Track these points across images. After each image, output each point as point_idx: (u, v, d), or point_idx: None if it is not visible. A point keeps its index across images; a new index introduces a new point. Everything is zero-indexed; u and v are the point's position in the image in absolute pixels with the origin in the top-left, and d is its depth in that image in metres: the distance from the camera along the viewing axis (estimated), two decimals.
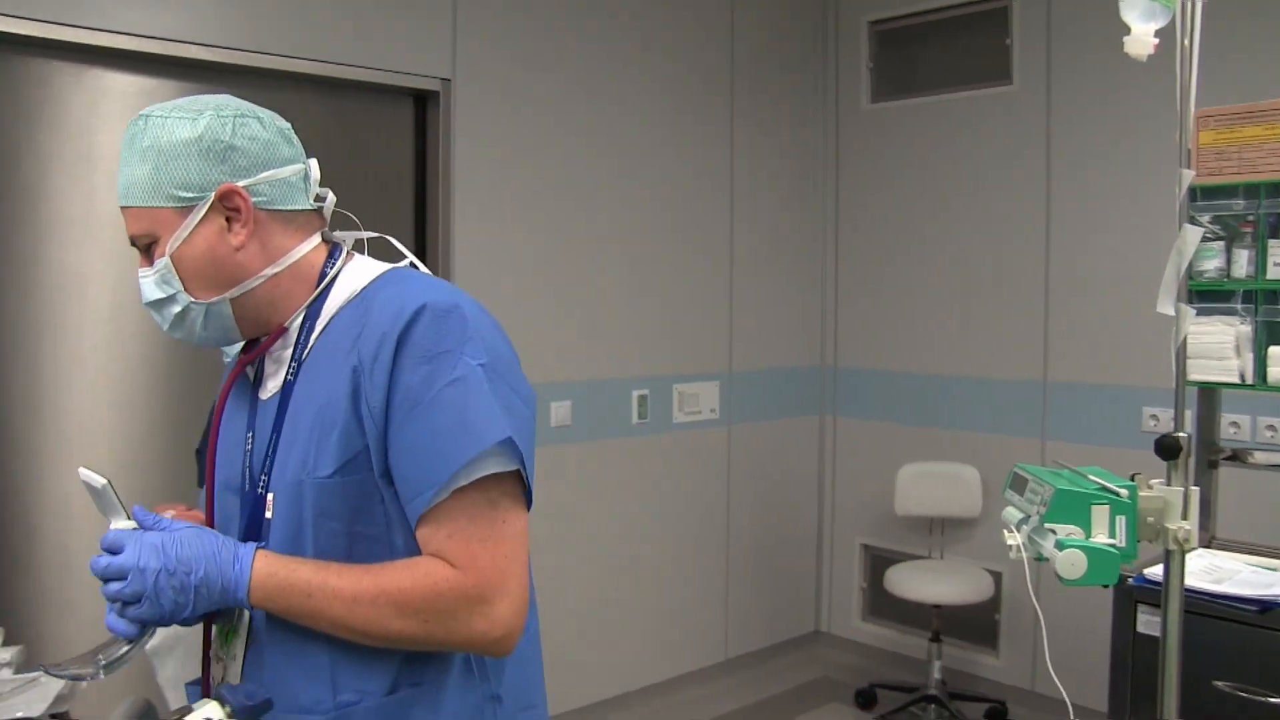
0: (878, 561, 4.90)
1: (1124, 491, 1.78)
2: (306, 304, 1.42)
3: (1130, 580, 2.60)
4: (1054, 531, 1.76)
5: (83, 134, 3.12)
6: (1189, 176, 1.84)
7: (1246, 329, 2.65)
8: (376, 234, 1.55)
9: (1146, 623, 2.61)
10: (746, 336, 4.83)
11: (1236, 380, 2.66)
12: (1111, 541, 1.75)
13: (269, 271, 1.40)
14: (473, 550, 1.28)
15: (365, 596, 1.27)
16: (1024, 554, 1.81)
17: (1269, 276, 2.62)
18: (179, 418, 3.30)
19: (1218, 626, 2.44)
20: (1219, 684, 2.43)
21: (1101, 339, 4.16)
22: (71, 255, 3.11)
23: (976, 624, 4.58)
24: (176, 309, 1.39)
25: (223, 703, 0.94)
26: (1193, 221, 1.85)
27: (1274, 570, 2.65)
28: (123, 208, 1.39)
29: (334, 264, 1.44)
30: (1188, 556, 1.85)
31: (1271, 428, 3.68)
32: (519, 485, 1.33)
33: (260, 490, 1.39)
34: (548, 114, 4.08)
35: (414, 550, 1.32)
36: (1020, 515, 1.90)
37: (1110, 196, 4.13)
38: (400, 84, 3.71)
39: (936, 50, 4.76)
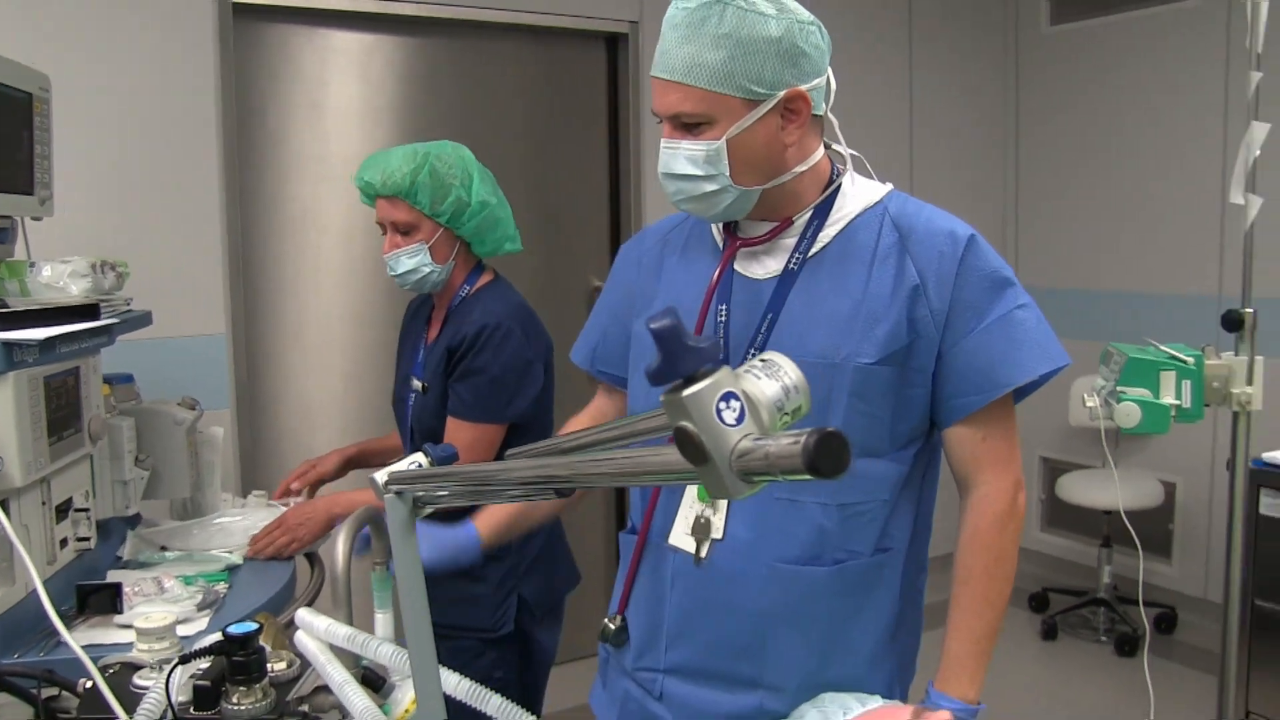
0: (1055, 473, 5.02)
1: (1190, 359, 2.01)
2: (815, 203, 1.52)
3: (1252, 465, 2.74)
4: (1125, 393, 2.00)
5: (316, 86, 3.64)
6: (1256, 78, 2.03)
7: None
8: (855, 152, 1.60)
9: (1271, 505, 2.76)
10: None
11: None
12: (1177, 403, 1.98)
13: (799, 169, 1.49)
14: (1008, 444, 1.52)
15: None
16: (1100, 415, 2.06)
17: None
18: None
19: None
20: None
21: (1277, 252, 4.17)
22: (308, 190, 3.65)
23: (1150, 534, 4.66)
24: (711, 187, 1.46)
25: (426, 454, 1.30)
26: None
27: None
28: (669, 81, 1.43)
29: (838, 172, 1.56)
30: None
31: None
32: None
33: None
34: None
35: (912, 436, 1.51)
36: (1102, 383, 2.14)
37: None
38: (592, 28, 4.09)
39: None
